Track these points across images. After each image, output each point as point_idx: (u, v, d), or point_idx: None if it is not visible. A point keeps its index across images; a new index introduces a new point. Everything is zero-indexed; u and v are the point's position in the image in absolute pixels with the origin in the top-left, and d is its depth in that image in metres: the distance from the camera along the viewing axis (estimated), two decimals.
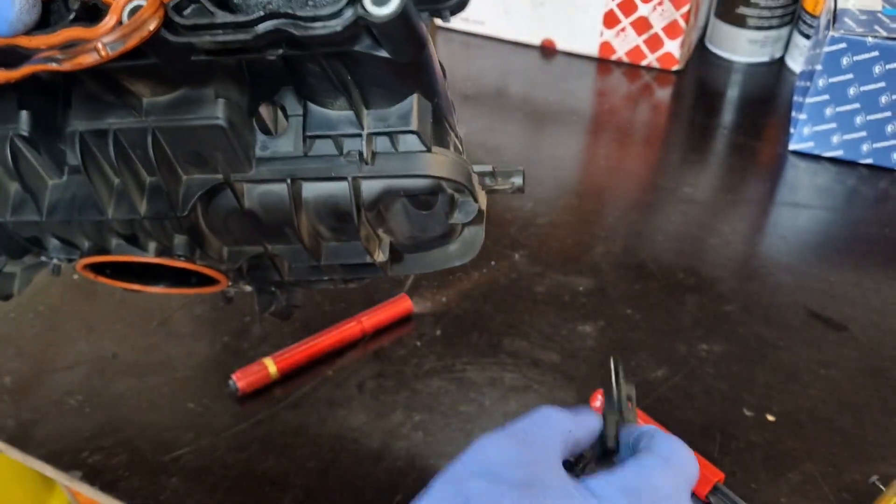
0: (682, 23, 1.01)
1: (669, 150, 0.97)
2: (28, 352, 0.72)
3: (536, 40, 1.11)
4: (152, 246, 0.49)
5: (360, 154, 0.42)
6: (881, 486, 0.58)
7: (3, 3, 0.32)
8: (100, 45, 0.32)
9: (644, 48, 1.05)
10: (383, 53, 0.35)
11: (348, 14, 0.33)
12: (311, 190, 0.44)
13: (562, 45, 1.10)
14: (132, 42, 0.33)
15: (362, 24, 0.33)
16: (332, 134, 0.42)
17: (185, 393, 0.67)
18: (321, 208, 0.45)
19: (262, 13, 0.33)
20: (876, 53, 0.82)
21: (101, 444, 0.64)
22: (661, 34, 1.03)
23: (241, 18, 0.33)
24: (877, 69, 0.83)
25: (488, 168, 0.51)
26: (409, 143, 0.42)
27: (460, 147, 0.46)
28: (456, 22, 1.14)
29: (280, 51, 0.35)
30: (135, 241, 0.49)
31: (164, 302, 0.75)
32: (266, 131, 0.43)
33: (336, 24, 0.33)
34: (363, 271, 0.52)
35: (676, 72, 1.06)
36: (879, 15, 0.85)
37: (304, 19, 0.33)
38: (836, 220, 0.85)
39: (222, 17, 0.34)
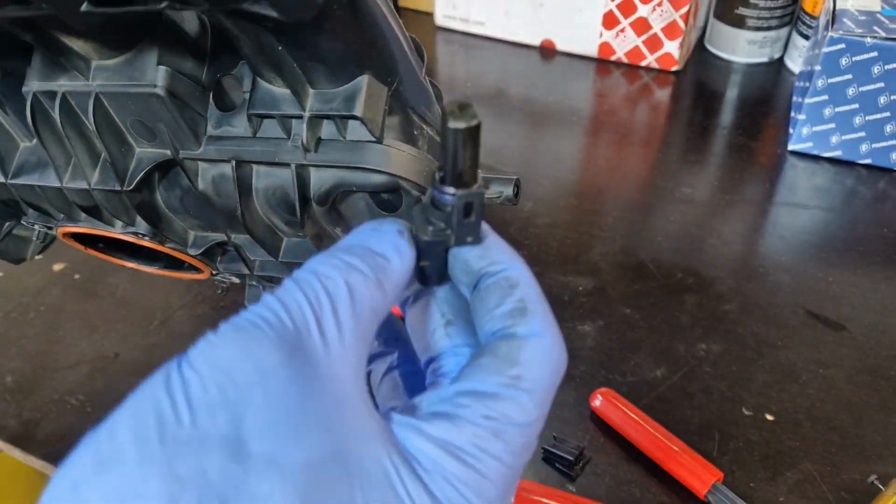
0: (681, 23, 1.02)
1: (668, 150, 0.97)
2: (29, 351, 0.72)
3: (536, 41, 1.11)
4: (118, 223, 0.47)
5: (303, 139, 0.38)
6: (880, 486, 0.59)
7: None
8: None
9: (643, 49, 1.06)
10: (271, 12, 0.30)
11: None
12: (261, 176, 0.41)
13: (561, 45, 1.10)
14: None
15: None
16: (275, 114, 0.38)
17: None
18: (270, 198, 0.42)
19: None
20: (875, 54, 0.83)
21: None
22: (661, 35, 1.04)
23: None
24: (876, 69, 0.83)
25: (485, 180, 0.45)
26: (357, 131, 0.37)
27: (428, 138, 0.41)
28: (456, 23, 1.15)
29: (164, 4, 0.29)
30: (97, 215, 0.46)
31: (166, 302, 0.75)
32: (223, 106, 0.40)
33: None
34: None
35: (676, 72, 1.06)
36: (878, 15, 0.85)
37: None
38: (834, 220, 0.85)
39: None
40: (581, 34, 1.08)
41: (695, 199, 0.88)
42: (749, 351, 0.70)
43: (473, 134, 0.27)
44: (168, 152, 0.41)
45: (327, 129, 0.38)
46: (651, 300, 0.75)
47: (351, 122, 0.37)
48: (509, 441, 0.27)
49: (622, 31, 1.05)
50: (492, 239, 0.32)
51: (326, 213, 0.42)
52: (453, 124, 0.27)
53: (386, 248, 0.29)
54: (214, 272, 0.51)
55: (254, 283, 0.52)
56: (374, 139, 0.37)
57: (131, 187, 0.42)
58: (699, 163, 0.94)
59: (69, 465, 0.23)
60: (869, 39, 0.82)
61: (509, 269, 0.31)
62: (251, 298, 0.52)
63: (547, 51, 1.11)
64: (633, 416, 0.62)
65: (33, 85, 0.40)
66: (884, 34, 0.82)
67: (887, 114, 0.86)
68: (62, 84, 0.39)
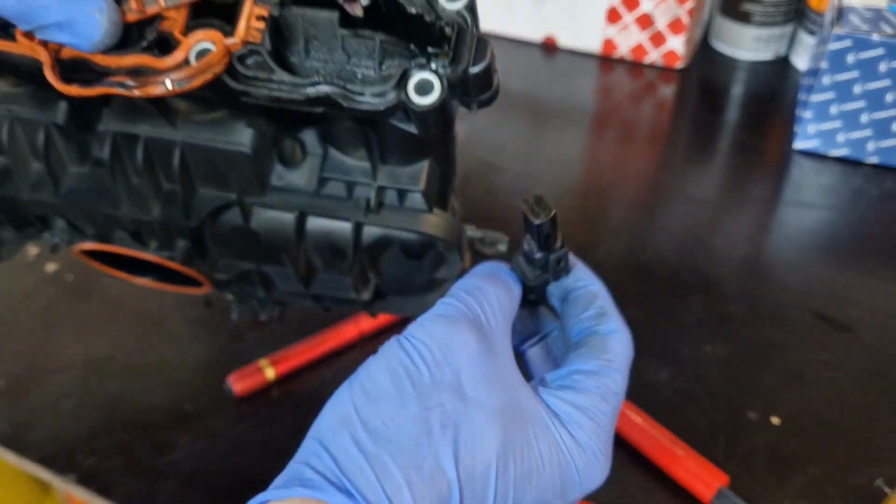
0: (685, 19, 1.01)
1: (673, 148, 0.96)
2: (22, 353, 0.71)
3: (538, 37, 1.10)
4: (153, 244, 0.51)
5: (368, 202, 0.45)
6: (887, 489, 0.58)
7: (91, 26, 0.35)
8: (168, 81, 0.36)
9: (647, 45, 1.05)
10: (412, 129, 0.40)
11: (392, 96, 0.37)
12: (314, 224, 0.47)
13: (564, 42, 1.09)
14: (197, 82, 0.36)
15: (402, 106, 0.37)
16: (345, 179, 0.45)
17: (181, 395, 0.67)
18: (321, 243, 0.48)
19: (316, 79, 0.37)
20: (882, 51, 0.81)
21: (97, 447, 0.63)
22: (665, 31, 1.03)
23: (297, 80, 0.37)
24: (882, 67, 0.82)
25: (479, 234, 0.58)
26: (414, 201, 0.46)
27: (457, 208, 0.51)
28: None
29: (321, 109, 0.39)
30: (138, 238, 0.51)
31: (160, 304, 0.74)
32: (284, 161, 0.46)
33: (379, 104, 0.37)
34: (345, 304, 0.54)
35: (680, 69, 1.05)
36: (885, 12, 0.84)
37: (353, 93, 0.37)
38: (841, 219, 0.84)
39: (280, 75, 0.37)
40: (584, 30, 1.07)
41: (699, 198, 0.87)
42: (755, 353, 0.69)
43: (552, 222, 0.40)
44: (233, 196, 0.47)
45: (388, 195, 0.46)
46: (656, 301, 0.74)
47: (410, 193, 0.45)
48: (612, 403, 0.39)
49: (626, 27, 1.04)
50: (578, 265, 0.46)
51: (366, 259, 0.50)
52: (535, 220, 0.40)
53: (507, 277, 0.43)
54: (214, 289, 0.55)
55: (252, 301, 0.58)
56: (426, 209, 0.46)
57: (196, 224, 0.47)
58: (704, 161, 0.93)
59: (341, 397, 0.36)
60: (875, 36, 0.81)
61: (590, 284, 0.44)
62: (239, 312, 0.57)
63: (549, 47, 1.10)
64: (636, 419, 0.62)
65: (112, 125, 0.45)
66: (890, 31, 0.81)
67: (894, 111, 0.85)
68: (144, 129, 0.45)
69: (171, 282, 0.56)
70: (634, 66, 1.07)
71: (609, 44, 1.06)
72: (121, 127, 0.45)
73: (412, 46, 0.38)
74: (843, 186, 0.87)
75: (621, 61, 1.07)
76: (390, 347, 0.37)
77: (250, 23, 0.37)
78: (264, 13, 0.37)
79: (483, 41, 0.37)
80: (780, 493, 0.59)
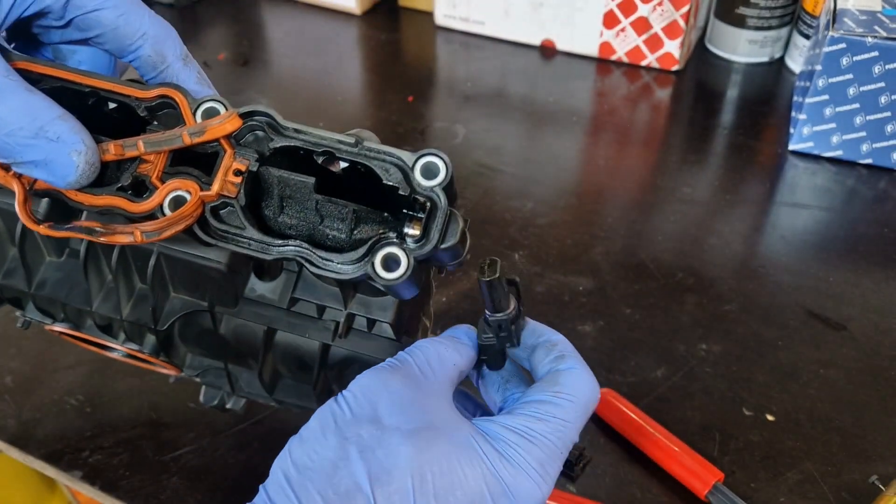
0: (681, 23, 1.02)
1: (669, 150, 0.97)
2: (29, 351, 0.72)
3: (536, 40, 1.11)
4: (122, 336, 0.52)
5: (337, 326, 0.46)
6: (880, 486, 0.58)
7: (67, 166, 0.36)
8: (138, 232, 0.36)
9: (644, 48, 1.06)
10: (381, 292, 0.41)
11: (360, 270, 0.37)
12: (283, 337, 0.48)
13: (561, 45, 1.10)
14: (166, 234, 0.37)
15: (368, 279, 0.37)
16: (316, 302, 0.45)
17: (185, 393, 0.67)
18: (288, 356, 0.48)
19: (285, 242, 0.37)
20: (875, 54, 0.82)
21: (102, 444, 0.64)
22: (661, 34, 1.03)
23: (267, 240, 0.38)
24: (876, 69, 0.83)
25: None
26: (383, 330, 0.46)
27: (429, 325, 0.52)
28: (456, 22, 1.14)
29: (292, 266, 0.42)
30: (107, 330, 0.52)
31: None
32: (259, 273, 0.46)
33: (346, 273, 0.37)
34: (311, 409, 0.54)
35: (676, 72, 1.06)
36: (879, 15, 0.85)
37: (322, 259, 0.37)
38: (835, 220, 0.85)
39: (251, 232, 0.38)
40: (581, 34, 1.08)
41: (695, 199, 0.87)
42: (749, 351, 0.70)
43: (494, 284, 0.40)
44: (205, 304, 0.47)
45: (357, 321, 0.46)
46: (651, 300, 0.75)
47: (379, 323, 0.46)
48: (551, 426, 0.40)
49: (622, 30, 1.05)
50: (532, 322, 0.47)
51: (332, 375, 0.50)
52: (481, 277, 0.39)
53: (462, 336, 0.44)
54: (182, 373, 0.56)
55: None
56: (394, 338, 0.46)
57: (164, 328, 0.48)
58: (700, 163, 0.94)
59: (283, 450, 0.38)
60: (870, 39, 0.82)
61: (552, 335, 0.46)
62: (207, 397, 0.57)
63: (547, 50, 1.11)
64: (633, 416, 0.62)
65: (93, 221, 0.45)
66: (884, 34, 0.82)
67: (888, 113, 0.86)
68: (118, 225, 0.44)
69: (142, 361, 0.57)
70: (631, 68, 1.08)
71: (606, 47, 1.07)
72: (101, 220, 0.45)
73: (385, 214, 0.39)
74: (837, 187, 0.88)
75: (618, 64, 1.08)
76: (327, 403, 0.39)
77: (227, 176, 0.37)
78: (242, 168, 0.37)
79: (454, 218, 0.37)
80: (774, 489, 0.60)
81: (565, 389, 0.41)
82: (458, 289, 0.75)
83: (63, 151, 0.35)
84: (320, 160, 0.38)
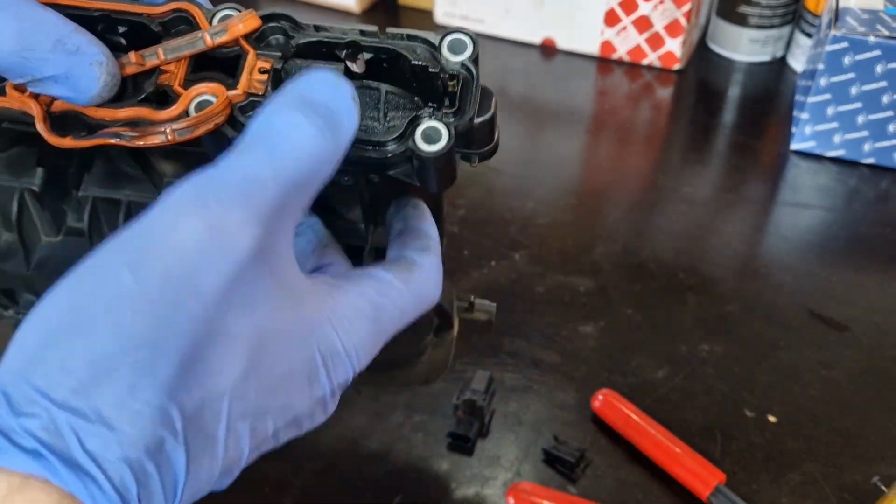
0: (683, 21, 1.01)
1: (670, 149, 0.97)
2: None
3: (537, 39, 1.11)
4: None
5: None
6: (883, 487, 0.58)
7: (89, 79, 0.34)
8: (168, 130, 0.35)
9: (645, 47, 1.05)
10: (415, 182, 0.38)
11: (401, 147, 0.36)
12: None
13: (562, 44, 1.10)
14: (199, 132, 0.35)
15: (408, 155, 0.36)
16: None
17: None
18: None
19: None
20: (878, 53, 0.82)
21: None
22: (663, 33, 1.03)
23: None
24: (879, 68, 0.83)
25: (468, 298, 0.56)
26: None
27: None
28: (456, 20, 1.14)
29: (347, 178, 0.39)
30: None
31: None
32: None
33: (387, 152, 0.36)
34: None
35: (677, 71, 1.06)
36: (881, 14, 0.84)
37: (359, 142, 0.35)
38: (837, 219, 0.84)
39: None
40: (582, 32, 1.07)
41: (697, 198, 0.87)
42: (751, 352, 0.70)
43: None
44: None
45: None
46: (653, 300, 0.74)
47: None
48: (388, 316, 0.35)
49: (624, 29, 1.05)
50: (421, 205, 0.41)
51: None
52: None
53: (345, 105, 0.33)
54: None
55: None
56: None
57: None
58: (701, 162, 0.93)
59: (27, 322, 0.28)
60: (872, 38, 0.82)
61: (428, 227, 0.40)
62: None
63: (548, 49, 1.11)
64: (634, 417, 0.62)
65: (93, 191, 0.44)
66: (887, 33, 0.82)
67: (890, 113, 0.85)
68: (128, 194, 0.43)
69: None
70: (632, 67, 1.07)
71: (607, 46, 1.07)
72: (103, 192, 0.43)
73: (416, 99, 0.38)
74: (840, 187, 0.88)
75: (619, 63, 1.08)
76: (110, 248, 0.29)
77: (253, 75, 0.37)
78: (267, 66, 0.37)
79: (487, 93, 0.37)
80: (776, 491, 0.60)
81: (412, 281, 0.37)
82: (459, 289, 0.75)
83: (83, 63, 0.34)
84: (343, 53, 0.38)
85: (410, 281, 0.37)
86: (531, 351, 0.69)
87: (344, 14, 1.17)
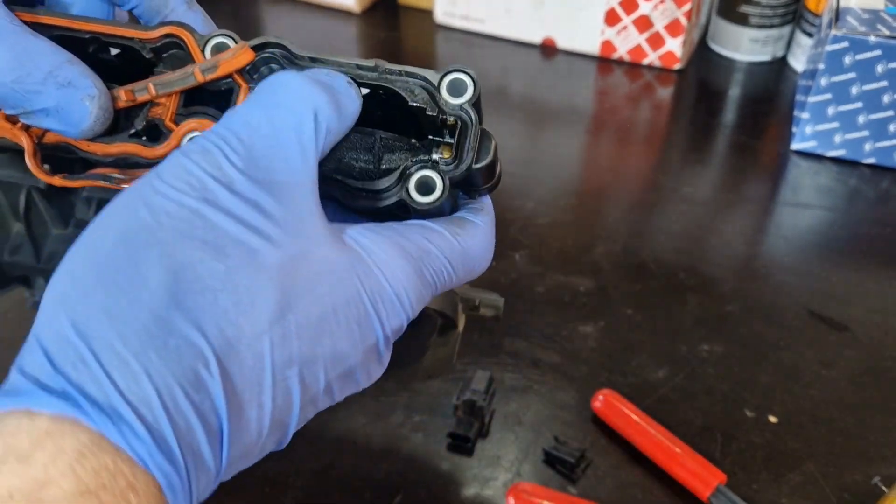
0: (683, 21, 1.01)
1: (671, 149, 0.97)
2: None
3: (537, 39, 1.11)
4: None
5: None
6: (883, 487, 0.58)
7: (80, 113, 0.33)
8: None
9: (645, 47, 1.05)
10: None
11: (394, 196, 0.35)
12: None
13: (562, 43, 1.10)
14: None
15: (402, 203, 0.35)
16: None
17: None
18: None
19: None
20: (878, 52, 0.82)
21: None
22: (663, 33, 1.03)
23: None
24: (879, 68, 0.83)
25: (474, 299, 0.55)
26: None
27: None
28: (456, 20, 1.14)
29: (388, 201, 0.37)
30: None
31: None
32: None
33: (380, 202, 0.35)
34: None
35: (678, 70, 1.06)
36: (882, 14, 0.84)
37: (353, 189, 0.35)
38: (838, 220, 0.84)
39: None
40: (582, 32, 1.07)
41: (697, 198, 0.87)
42: (752, 352, 0.69)
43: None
44: None
45: None
46: (653, 300, 0.74)
47: None
48: (436, 264, 0.34)
49: (624, 28, 1.05)
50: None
51: None
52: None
53: (341, 84, 0.34)
54: None
55: None
56: None
57: None
58: (701, 162, 0.93)
59: (61, 269, 0.28)
60: (872, 38, 0.82)
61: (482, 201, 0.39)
62: None
63: (548, 49, 1.11)
64: (634, 417, 0.62)
65: (98, 193, 0.44)
66: (887, 32, 0.82)
67: (891, 112, 0.85)
68: None
69: None
70: (633, 67, 1.07)
71: (608, 45, 1.07)
72: (105, 194, 0.44)
73: (413, 141, 0.37)
74: (840, 187, 0.88)
75: (620, 63, 1.08)
76: (128, 193, 0.30)
77: None
78: None
79: (487, 136, 0.36)
80: (776, 491, 0.59)
81: (466, 237, 0.36)
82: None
83: (75, 97, 0.33)
84: None
85: (461, 235, 0.35)
86: (531, 351, 0.69)
87: (344, 14, 1.17)
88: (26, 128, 0.36)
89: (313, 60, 0.36)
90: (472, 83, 0.35)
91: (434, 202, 0.34)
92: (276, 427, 0.30)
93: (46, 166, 0.37)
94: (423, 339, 0.51)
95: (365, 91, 0.36)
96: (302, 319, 0.29)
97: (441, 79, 0.35)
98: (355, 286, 0.31)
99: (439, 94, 0.35)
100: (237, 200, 0.29)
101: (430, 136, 0.36)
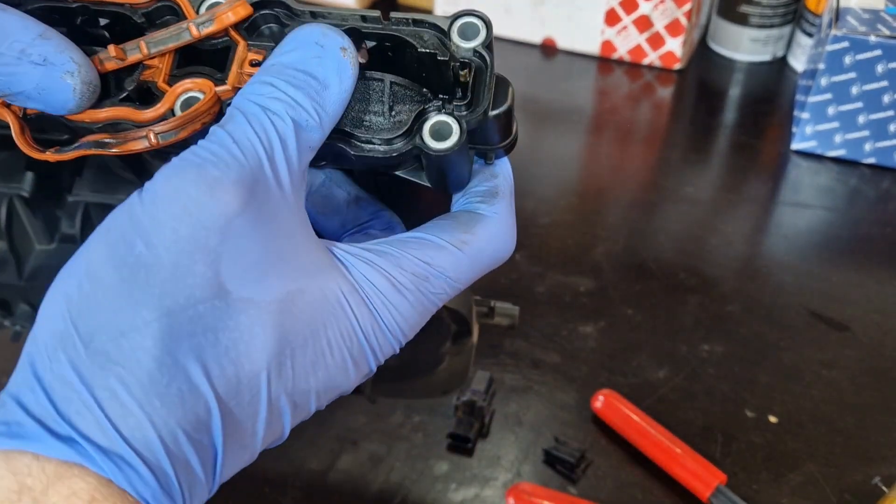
0: (683, 21, 1.01)
1: (671, 149, 0.97)
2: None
3: (537, 39, 1.11)
4: None
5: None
6: (884, 488, 0.58)
7: (63, 91, 0.31)
8: (152, 134, 0.32)
9: (645, 47, 1.05)
10: (423, 181, 0.36)
11: (408, 144, 0.33)
12: None
13: (563, 43, 1.10)
14: (184, 133, 0.32)
15: (416, 153, 0.33)
16: None
17: None
18: None
19: None
20: (878, 52, 0.82)
21: None
22: (663, 32, 1.03)
23: None
24: (879, 68, 0.83)
25: (488, 303, 0.53)
26: None
27: None
28: None
29: (324, 162, 0.35)
30: None
31: None
32: None
33: (391, 150, 0.33)
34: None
35: (678, 70, 1.06)
36: (882, 14, 0.84)
37: (360, 140, 0.33)
38: (838, 219, 0.84)
39: None
40: (582, 32, 1.07)
41: (697, 198, 0.87)
42: (752, 352, 0.69)
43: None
44: None
45: None
46: (653, 301, 0.74)
47: None
48: (436, 287, 0.32)
49: (624, 28, 1.04)
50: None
51: None
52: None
53: (328, 73, 0.30)
54: None
55: None
56: None
57: None
58: (702, 162, 0.93)
59: (54, 301, 0.27)
60: (873, 38, 0.82)
61: (497, 164, 0.36)
62: None
63: (548, 49, 1.11)
64: (635, 417, 0.62)
65: (85, 195, 0.42)
66: (888, 32, 0.82)
67: (891, 112, 0.85)
68: (121, 198, 0.41)
69: None
70: (633, 67, 1.07)
71: (608, 45, 1.07)
72: (95, 197, 0.41)
73: (425, 90, 0.34)
74: (840, 187, 0.88)
75: (620, 63, 1.08)
76: (118, 219, 0.28)
77: (244, 68, 0.33)
78: (258, 58, 0.33)
79: (504, 81, 0.34)
80: (777, 491, 0.59)
81: (476, 242, 0.34)
82: None
83: (54, 76, 0.30)
84: None
85: (468, 243, 0.33)
86: (531, 351, 0.69)
87: None
88: (7, 105, 0.33)
89: (314, 15, 0.34)
90: (484, 25, 0.33)
91: (450, 149, 0.32)
92: (264, 447, 0.31)
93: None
94: (436, 347, 0.50)
95: (371, 44, 0.34)
96: (298, 354, 0.29)
97: (451, 24, 0.33)
98: (349, 318, 0.30)
99: (450, 39, 0.33)
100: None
101: (442, 95, 0.34)
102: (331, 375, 0.30)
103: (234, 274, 0.27)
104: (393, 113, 0.34)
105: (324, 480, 0.60)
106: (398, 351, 0.33)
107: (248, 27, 0.34)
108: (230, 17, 0.33)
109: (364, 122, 0.34)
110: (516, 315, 0.56)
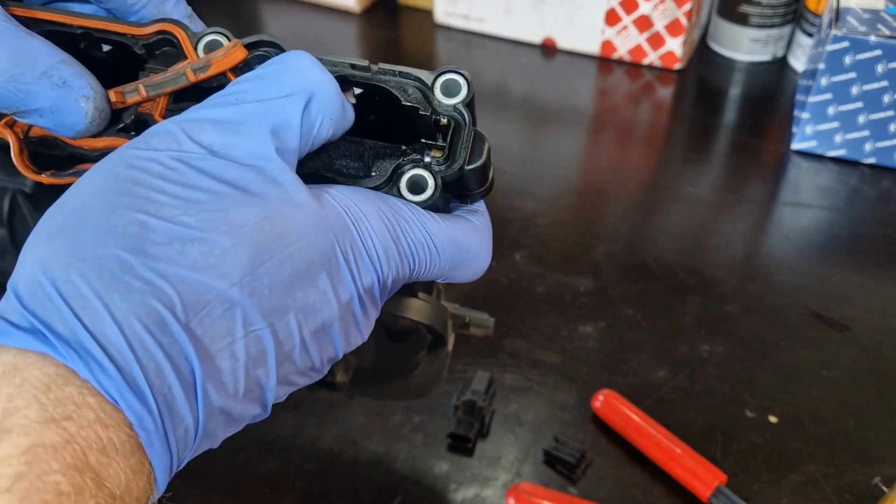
0: (683, 21, 1.01)
1: (671, 149, 0.97)
2: None
3: (537, 39, 1.11)
4: None
5: None
6: (884, 488, 0.58)
7: (75, 113, 0.33)
8: None
9: (646, 46, 1.05)
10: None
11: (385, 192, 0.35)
12: None
13: (563, 43, 1.10)
14: None
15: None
16: None
17: None
18: None
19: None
20: (879, 52, 0.82)
21: None
22: (663, 32, 1.03)
23: None
24: (879, 68, 0.83)
25: (464, 317, 0.56)
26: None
27: (441, 288, 0.52)
28: (456, 20, 1.14)
29: None
30: None
31: None
32: None
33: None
34: (321, 386, 0.53)
35: (678, 70, 1.06)
36: (882, 14, 0.84)
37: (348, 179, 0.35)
38: (838, 219, 0.84)
39: None
40: (583, 32, 1.07)
41: (697, 198, 0.87)
42: (752, 352, 0.69)
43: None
44: None
45: None
46: (653, 301, 0.74)
47: None
48: (414, 233, 0.34)
49: (624, 28, 1.04)
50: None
51: None
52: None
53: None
54: None
55: None
56: (411, 294, 0.46)
57: None
58: (702, 162, 0.93)
59: (50, 210, 0.30)
60: (873, 37, 0.82)
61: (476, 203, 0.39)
62: None
63: (548, 48, 1.11)
64: (635, 417, 0.62)
65: None
66: (888, 32, 0.82)
67: (891, 112, 0.85)
68: None
69: None
70: (633, 67, 1.07)
71: (608, 45, 1.07)
72: None
73: (404, 148, 0.36)
74: (840, 187, 0.88)
75: (620, 62, 1.08)
76: (117, 153, 0.31)
77: None
78: None
79: (480, 137, 0.36)
80: (777, 492, 0.59)
81: (456, 230, 0.36)
82: (458, 289, 0.75)
83: (70, 97, 0.33)
84: None
85: (450, 222, 0.35)
86: (531, 351, 0.69)
87: (344, 13, 1.17)
88: (11, 125, 0.35)
89: None
90: (465, 84, 0.35)
91: (425, 201, 0.34)
92: (254, 385, 0.30)
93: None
94: (413, 354, 0.52)
95: (358, 91, 0.36)
96: (274, 273, 0.30)
97: (435, 79, 0.35)
98: (331, 242, 0.31)
99: (433, 94, 0.35)
100: (216, 161, 0.30)
101: (423, 140, 0.36)
102: (309, 297, 0.31)
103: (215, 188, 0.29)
104: (373, 170, 0.36)
105: (324, 480, 0.60)
106: (376, 283, 0.33)
107: (241, 67, 0.36)
108: (225, 63, 0.35)
109: (345, 172, 0.36)
110: (491, 326, 0.57)
